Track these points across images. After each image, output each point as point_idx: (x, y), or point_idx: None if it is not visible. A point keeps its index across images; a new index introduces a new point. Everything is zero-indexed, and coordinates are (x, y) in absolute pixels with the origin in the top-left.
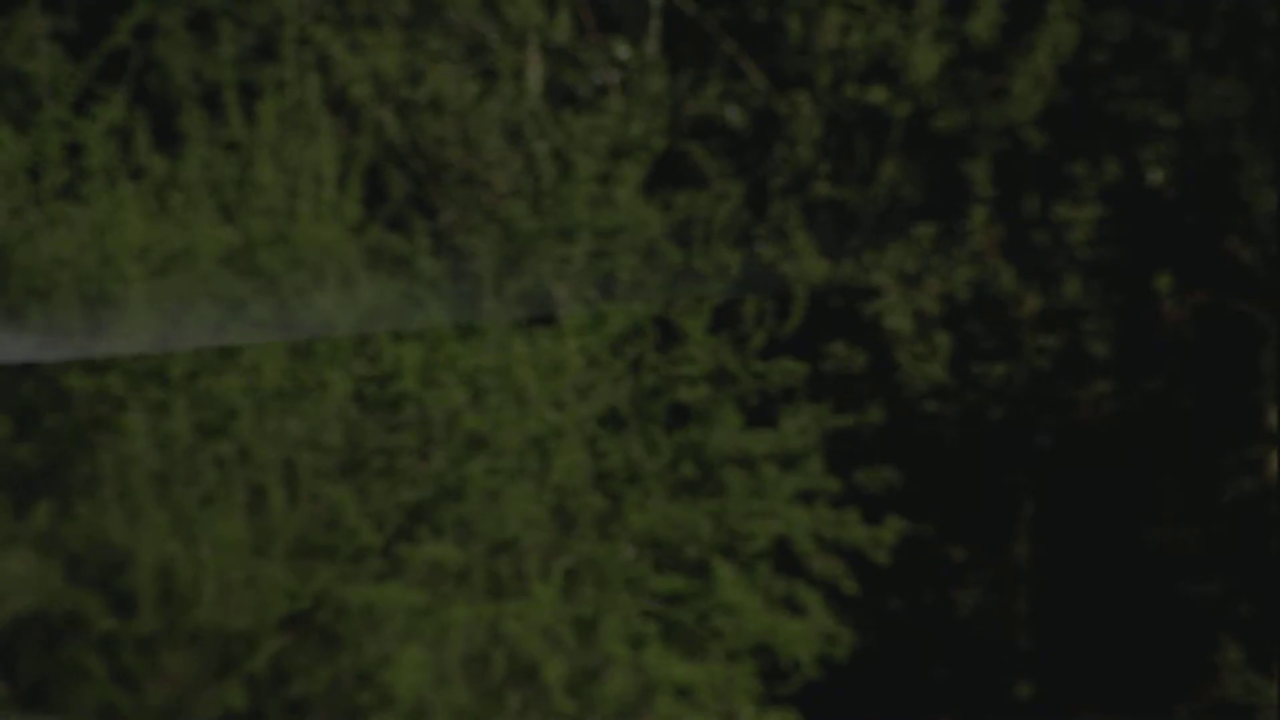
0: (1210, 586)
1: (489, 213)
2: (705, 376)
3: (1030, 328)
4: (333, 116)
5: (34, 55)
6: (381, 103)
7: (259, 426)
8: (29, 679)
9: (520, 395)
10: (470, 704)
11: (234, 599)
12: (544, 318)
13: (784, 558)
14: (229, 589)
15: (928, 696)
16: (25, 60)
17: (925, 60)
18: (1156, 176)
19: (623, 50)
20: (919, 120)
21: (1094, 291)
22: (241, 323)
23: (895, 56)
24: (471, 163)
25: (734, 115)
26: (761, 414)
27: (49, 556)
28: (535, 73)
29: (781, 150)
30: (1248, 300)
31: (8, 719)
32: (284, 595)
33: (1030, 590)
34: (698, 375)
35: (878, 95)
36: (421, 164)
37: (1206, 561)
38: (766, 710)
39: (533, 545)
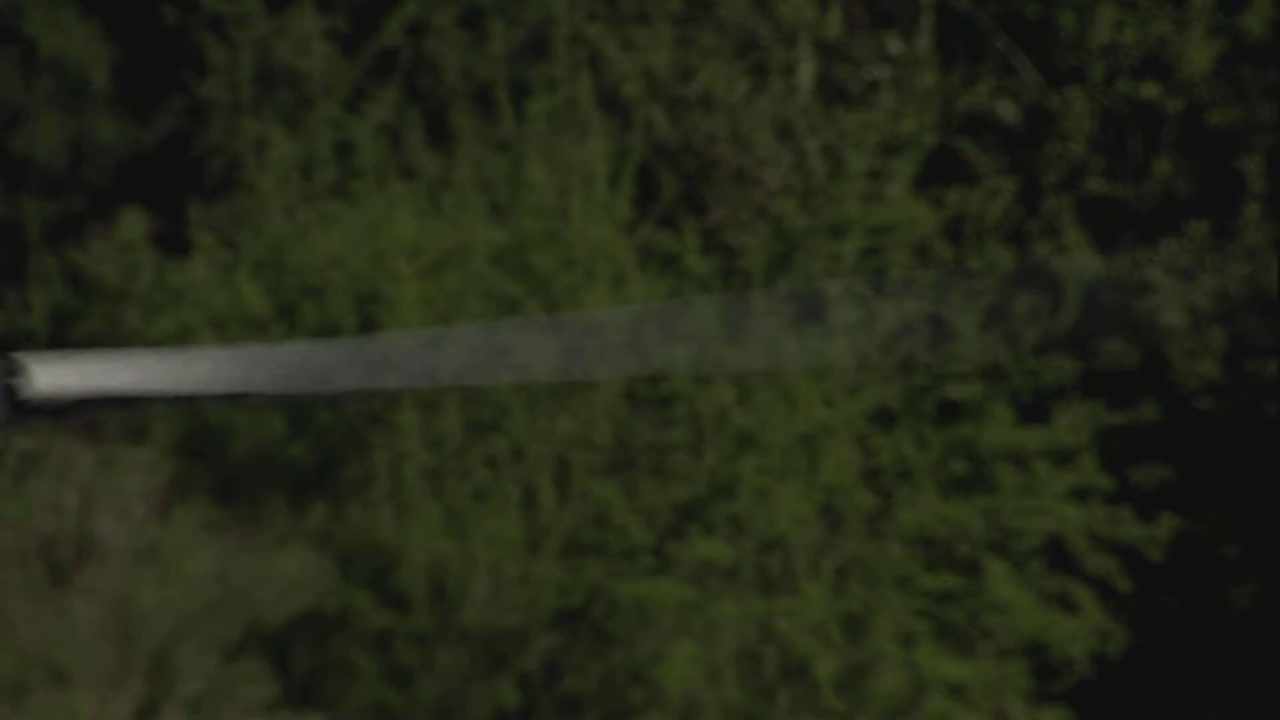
0: None
1: (760, 210)
2: (977, 373)
3: None
4: (604, 114)
5: (306, 54)
6: (653, 100)
7: (531, 424)
8: (302, 676)
9: (790, 393)
10: (741, 700)
11: (505, 596)
12: (814, 315)
13: (1056, 555)
14: (500, 586)
15: (1200, 694)
16: (298, 59)
17: (1198, 56)
18: None
19: (894, 46)
20: (1192, 116)
21: None
22: (513, 322)
23: (1168, 52)
24: (742, 160)
25: (1006, 111)
26: (1034, 411)
27: (323, 554)
28: (806, 69)
29: (1054, 146)
30: None
31: (282, 716)
32: (555, 592)
33: None
34: (969, 372)
35: (1150, 91)
36: (692, 162)
37: None
38: (1038, 708)
39: (803, 543)
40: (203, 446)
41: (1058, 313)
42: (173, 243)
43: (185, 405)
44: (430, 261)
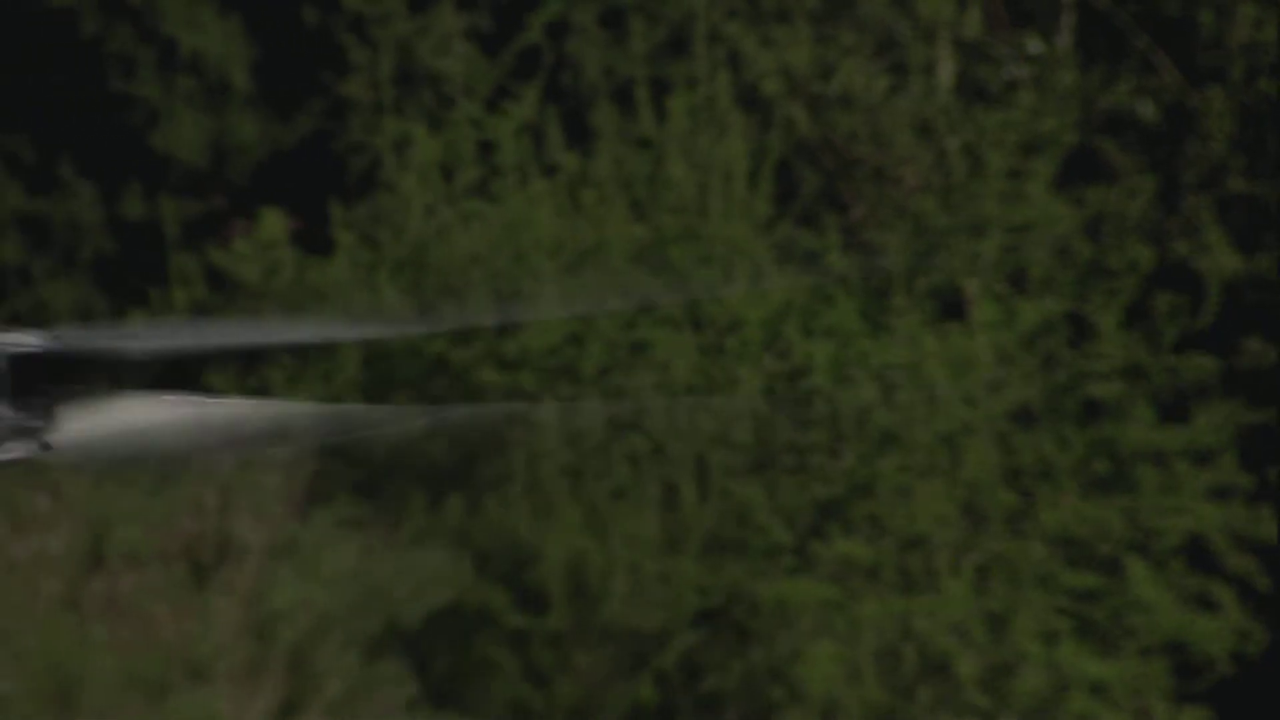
0: None
1: (899, 208)
2: (1118, 372)
3: None
4: (743, 112)
5: (448, 53)
6: (792, 98)
7: (670, 422)
8: (441, 676)
9: (931, 391)
10: (881, 699)
11: (645, 595)
12: (955, 313)
13: (1196, 554)
14: (640, 585)
15: None
16: (439, 58)
17: None
18: None
19: (1034, 45)
20: None
21: None
22: (652, 318)
23: None
24: (882, 158)
25: (1146, 110)
26: (1174, 410)
27: (461, 552)
28: (946, 68)
29: (1194, 145)
30: None
31: (421, 716)
32: (695, 591)
33: None
34: (1110, 371)
35: None
36: (831, 159)
37: None
38: (1180, 707)
39: (944, 542)
40: (342, 446)
41: (1198, 311)
42: (313, 242)
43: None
44: (570, 259)
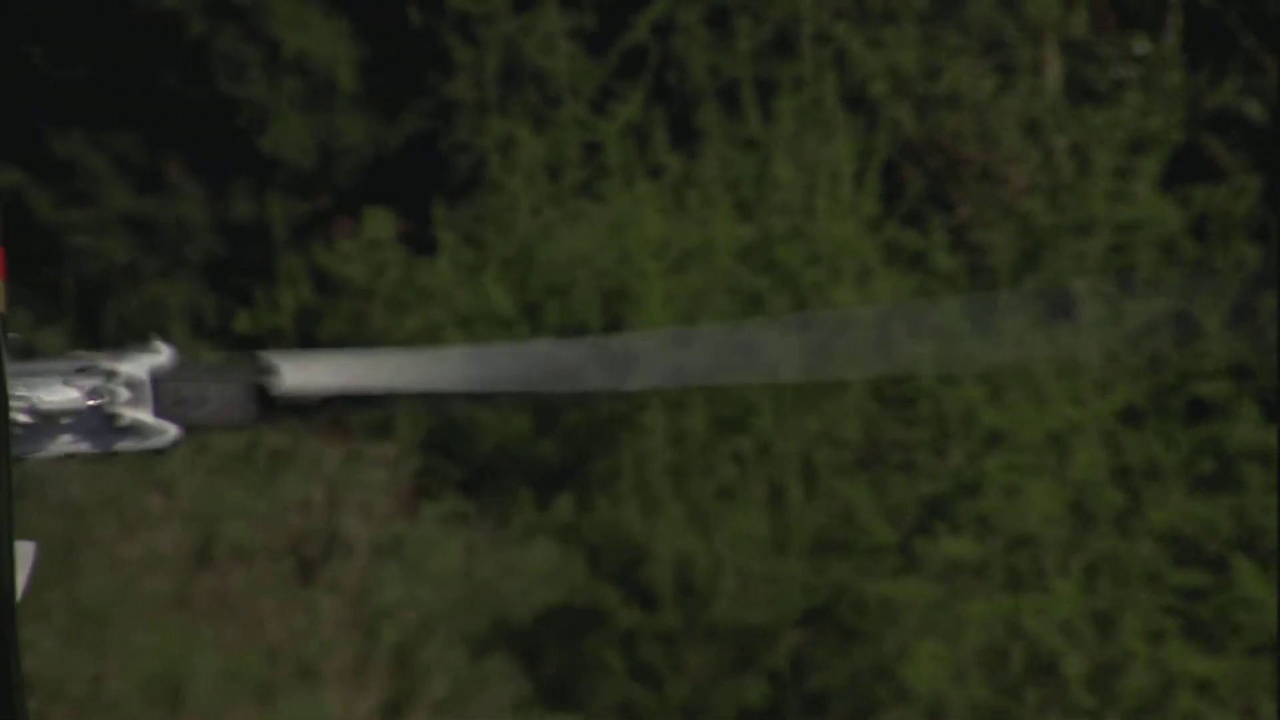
0: None
1: (1006, 208)
2: (1224, 371)
3: None
4: (850, 112)
5: (552, 53)
6: (899, 98)
7: (777, 422)
8: (550, 674)
9: (1038, 391)
10: (987, 699)
11: (752, 594)
12: (1062, 313)
13: None
14: (747, 584)
15: None
16: (544, 58)
17: None
18: None
19: (1141, 45)
20: None
21: None
22: (757, 318)
23: None
24: (988, 158)
25: (1252, 109)
26: None
27: (570, 550)
28: (1053, 68)
29: None
30: None
31: (530, 714)
32: (801, 590)
33: None
34: (1216, 370)
35: None
36: (938, 159)
37: None
38: None
39: (1051, 540)
40: (448, 442)
41: None
42: (419, 242)
43: (431, 403)
44: (676, 259)
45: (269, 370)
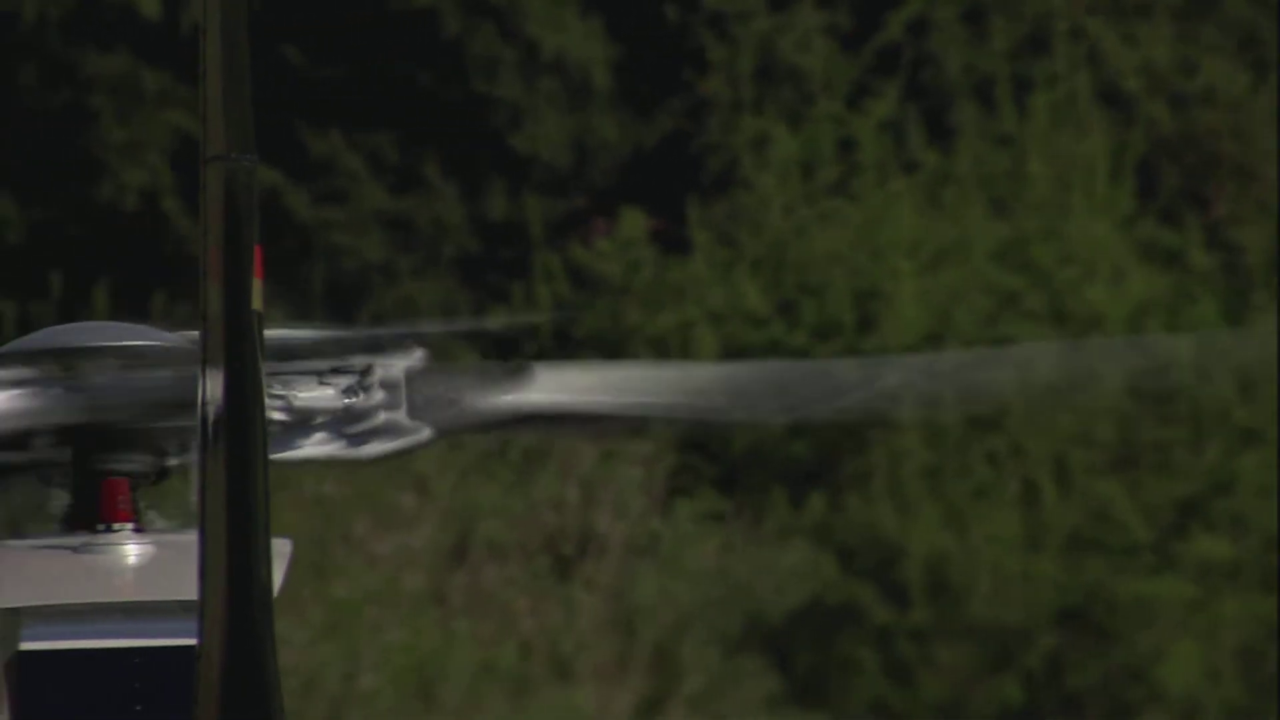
0: None
1: (1262, 204)
2: None
3: None
4: (1104, 109)
5: (808, 51)
6: (1153, 95)
7: (1031, 421)
8: (803, 672)
9: None
10: (1243, 700)
11: (1007, 593)
12: None
13: None
14: (1001, 583)
15: None
16: (800, 56)
17: None
18: None
19: None
20: None
21: None
22: (1013, 316)
23: None
24: (1244, 154)
25: None
26: None
27: (823, 549)
28: None
29: None
30: None
31: (785, 713)
32: (1055, 590)
33: None
34: None
35: None
36: (1193, 156)
37: None
38: None
39: None
40: (703, 440)
41: None
42: (672, 240)
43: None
44: (930, 257)
45: (524, 376)
